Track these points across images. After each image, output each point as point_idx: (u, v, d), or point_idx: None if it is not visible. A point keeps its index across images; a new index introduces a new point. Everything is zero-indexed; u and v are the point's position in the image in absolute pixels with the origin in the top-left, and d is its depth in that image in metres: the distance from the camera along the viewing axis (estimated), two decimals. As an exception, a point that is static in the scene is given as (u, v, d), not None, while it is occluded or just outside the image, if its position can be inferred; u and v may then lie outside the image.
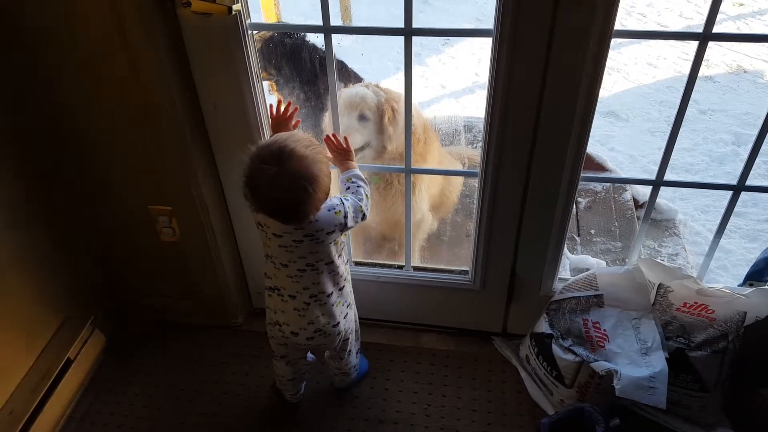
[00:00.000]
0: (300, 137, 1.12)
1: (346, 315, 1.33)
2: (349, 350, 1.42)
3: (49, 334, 1.51)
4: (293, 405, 1.51)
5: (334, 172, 1.28)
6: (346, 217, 1.19)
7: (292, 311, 1.27)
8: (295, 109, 1.29)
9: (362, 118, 1.65)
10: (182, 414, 1.51)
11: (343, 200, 1.21)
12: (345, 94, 1.69)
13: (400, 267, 1.65)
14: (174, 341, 1.71)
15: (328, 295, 1.26)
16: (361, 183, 1.28)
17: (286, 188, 1.07)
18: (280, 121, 1.28)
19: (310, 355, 1.49)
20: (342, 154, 1.32)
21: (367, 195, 1.27)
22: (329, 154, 1.22)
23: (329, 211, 1.17)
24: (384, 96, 1.67)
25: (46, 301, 1.49)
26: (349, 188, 1.27)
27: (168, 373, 1.62)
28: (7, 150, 1.32)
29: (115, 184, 1.48)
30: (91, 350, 1.61)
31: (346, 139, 1.33)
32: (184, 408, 1.53)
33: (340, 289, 1.29)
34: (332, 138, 1.32)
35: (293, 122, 1.29)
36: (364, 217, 1.25)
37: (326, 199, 1.16)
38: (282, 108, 1.28)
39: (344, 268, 1.29)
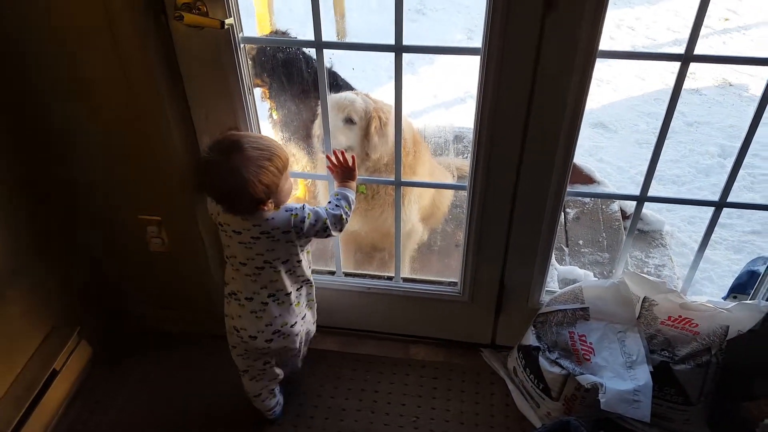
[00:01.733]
0: (256, 138, 1.20)
1: (305, 316, 1.36)
2: (305, 352, 1.47)
3: (35, 344, 1.50)
4: (275, 420, 1.51)
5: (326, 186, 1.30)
6: (302, 221, 1.23)
7: (248, 314, 1.29)
8: (353, 158, 1.37)
9: (348, 121, 1.68)
10: (170, 425, 1.51)
11: (306, 207, 1.25)
12: (335, 97, 1.73)
13: (390, 278, 1.66)
14: (163, 351, 1.70)
15: (287, 294, 1.29)
16: (343, 202, 1.31)
17: (225, 178, 1.14)
18: (345, 170, 1.36)
19: (278, 369, 1.47)
20: (344, 171, 1.36)
21: (344, 215, 1.29)
22: (282, 158, 1.20)
23: (286, 212, 1.23)
24: (373, 105, 1.69)
25: (32, 311, 1.48)
26: (330, 202, 1.31)
27: (156, 384, 1.61)
28: (-5, 160, 1.32)
29: (104, 193, 1.47)
30: (78, 361, 1.59)
31: (353, 158, 1.37)
32: (173, 419, 1.52)
33: (298, 289, 1.32)
34: (338, 155, 1.36)
35: (356, 172, 1.38)
36: (326, 230, 1.26)
37: (273, 194, 1.19)
38: (349, 159, 1.36)
39: (305, 270, 1.32)
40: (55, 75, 1.28)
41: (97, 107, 1.31)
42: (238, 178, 1.13)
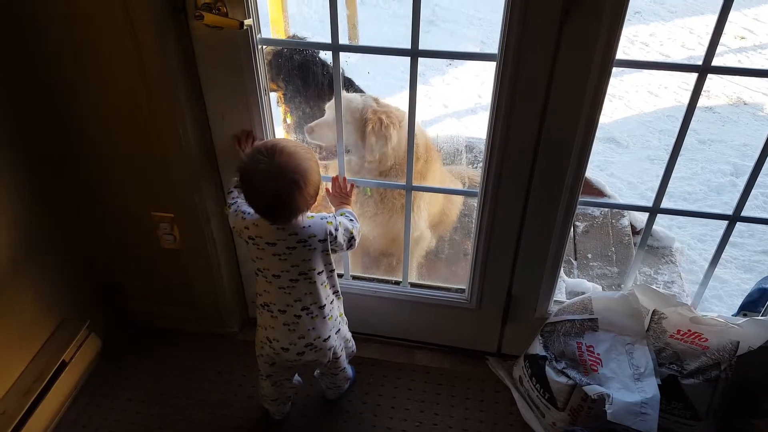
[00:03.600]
0: (292, 141, 1.21)
1: (339, 330, 1.34)
2: (343, 368, 1.43)
3: (44, 336, 1.51)
4: (279, 421, 1.51)
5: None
6: (336, 229, 1.23)
7: (281, 326, 1.27)
8: (352, 186, 1.41)
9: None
10: (175, 421, 1.51)
11: (335, 215, 1.27)
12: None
13: (397, 283, 1.66)
14: (169, 348, 1.71)
15: (321, 307, 1.27)
16: (353, 216, 1.33)
17: (277, 179, 1.11)
18: (343, 195, 1.39)
19: (297, 378, 1.48)
20: (341, 196, 1.39)
21: (358, 229, 1.31)
22: (317, 161, 1.21)
23: (321, 219, 1.22)
24: (374, 106, 1.67)
25: (43, 303, 1.49)
26: (343, 214, 1.32)
27: (162, 380, 1.62)
28: (9, 152, 1.34)
29: (118, 189, 1.49)
30: (87, 353, 1.61)
31: (352, 186, 1.40)
32: (177, 415, 1.53)
33: (332, 302, 1.30)
34: (339, 181, 1.39)
35: (352, 198, 1.40)
36: (352, 240, 1.28)
37: (316, 197, 1.18)
38: (348, 186, 1.39)
39: (337, 281, 1.31)
40: (72, 72, 1.30)
41: (114, 104, 1.33)
42: (285, 179, 1.11)
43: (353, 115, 1.68)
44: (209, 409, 1.54)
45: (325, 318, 1.28)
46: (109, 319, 1.72)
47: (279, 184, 1.11)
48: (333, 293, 1.31)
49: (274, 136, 1.45)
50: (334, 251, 1.26)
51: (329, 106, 1.71)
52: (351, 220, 1.31)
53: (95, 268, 1.65)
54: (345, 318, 1.41)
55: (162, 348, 1.71)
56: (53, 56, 1.28)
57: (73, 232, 1.56)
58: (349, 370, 1.51)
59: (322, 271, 1.25)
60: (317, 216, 1.22)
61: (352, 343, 1.45)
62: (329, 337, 1.30)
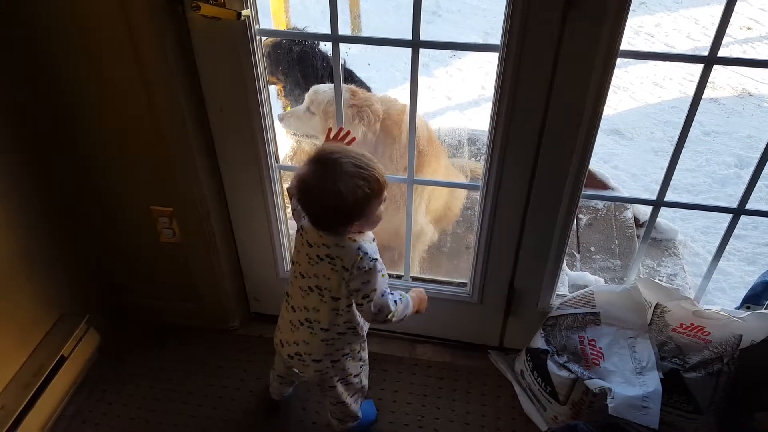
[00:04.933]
0: (357, 154, 1.11)
1: (338, 361, 1.25)
2: (341, 401, 1.33)
3: (43, 331, 1.51)
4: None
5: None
6: (360, 268, 1.11)
7: (287, 322, 1.26)
8: (353, 138, 1.28)
9: (307, 110, 1.72)
10: (176, 416, 1.51)
11: (377, 264, 1.13)
12: (314, 87, 1.76)
13: (399, 277, 1.65)
14: (170, 343, 1.71)
15: (324, 329, 1.20)
16: (401, 306, 1.19)
17: (321, 192, 1.08)
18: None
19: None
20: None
21: (396, 313, 1.17)
22: (380, 181, 1.12)
23: (357, 249, 1.12)
24: (354, 100, 1.65)
25: (42, 298, 1.49)
26: (402, 296, 1.21)
27: (163, 375, 1.62)
28: (7, 147, 1.33)
29: (117, 183, 1.48)
30: (86, 348, 1.60)
31: (353, 140, 1.28)
32: (178, 410, 1.53)
33: (341, 334, 1.22)
34: (339, 132, 1.29)
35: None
36: (380, 314, 1.15)
37: (361, 216, 1.12)
38: (340, 135, 1.28)
39: (356, 318, 1.21)
40: (68, 67, 1.28)
41: (111, 98, 1.32)
42: (330, 189, 1.07)
43: (318, 108, 1.68)
44: (211, 403, 1.54)
45: (324, 341, 1.21)
46: (108, 314, 1.72)
47: (322, 196, 1.09)
48: (347, 328, 1.22)
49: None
50: (351, 295, 1.16)
51: (307, 95, 1.72)
52: (395, 301, 1.17)
53: (94, 263, 1.65)
54: (362, 362, 1.31)
55: (163, 343, 1.71)
56: (49, 51, 1.27)
57: (71, 227, 1.55)
58: (355, 410, 1.38)
59: (340, 299, 1.17)
60: (360, 242, 1.13)
61: (360, 384, 1.34)
62: (320, 360, 1.23)
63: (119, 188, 1.49)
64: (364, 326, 1.26)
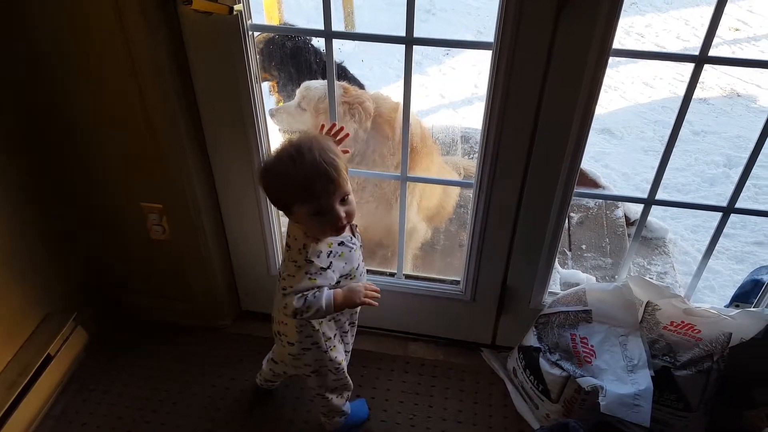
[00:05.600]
0: (304, 150, 1.05)
1: (311, 350, 1.22)
2: (319, 393, 1.32)
3: (29, 329, 1.49)
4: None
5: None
6: (298, 266, 1.09)
7: (276, 294, 1.23)
8: (346, 135, 1.24)
9: (298, 106, 1.72)
10: (164, 415, 1.49)
11: (311, 253, 1.09)
12: (306, 83, 1.75)
13: (392, 274, 1.65)
14: (160, 341, 1.69)
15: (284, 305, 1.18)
16: (312, 301, 1.09)
17: (315, 160, 1.02)
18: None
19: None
20: None
21: (301, 309, 1.09)
22: (302, 186, 1.05)
23: (303, 245, 1.10)
24: (346, 97, 1.64)
25: (28, 295, 1.47)
26: (312, 279, 1.12)
27: (153, 373, 1.60)
28: (-1, 141, 1.31)
29: (106, 179, 1.46)
30: (73, 347, 1.58)
31: (346, 136, 1.24)
32: (168, 409, 1.51)
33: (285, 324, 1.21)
34: (333, 127, 1.25)
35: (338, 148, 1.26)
36: (284, 290, 1.10)
37: (281, 209, 1.10)
38: (333, 131, 1.23)
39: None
40: (59, 63, 1.26)
41: (102, 94, 1.30)
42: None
43: (309, 104, 1.67)
44: (200, 402, 1.53)
45: (295, 327, 1.19)
46: (98, 312, 1.70)
47: (321, 163, 1.04)
48: (290, 319, 1.19)
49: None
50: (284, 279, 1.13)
51: (298, 91, 1.72)
52: (305, 298, 1.08)
53: (83, 260, 1.63)
54: (331, 357, 1.24)
55: (153, 341, 1.69)
56: (39, 48, 1.24)
57: (60, 224, 1.53)
58: (338, 404, 1.35)
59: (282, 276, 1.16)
60: (311, 242, 1.09)
61: (336, 380, 1.30)
62: (293, 344, 1.22)
63: (108, 184, 1.47)
64: (317, 321, 1.19)
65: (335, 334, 1.25)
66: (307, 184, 1.02)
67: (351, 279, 1.18)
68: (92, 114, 1.35)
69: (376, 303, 1.16)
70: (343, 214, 1.06)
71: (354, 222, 1.17)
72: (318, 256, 1.10)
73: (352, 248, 1.17)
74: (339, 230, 1.09)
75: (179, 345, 1.68)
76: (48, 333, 1.51)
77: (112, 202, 1.50)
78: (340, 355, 1.28)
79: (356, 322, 1.31)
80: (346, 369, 1.31)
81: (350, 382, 1.35)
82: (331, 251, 1.12)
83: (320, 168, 1.01)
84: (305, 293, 1.09)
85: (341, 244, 1.15)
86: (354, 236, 1.20)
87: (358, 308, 1.26)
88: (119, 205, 1.50)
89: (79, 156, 1.43)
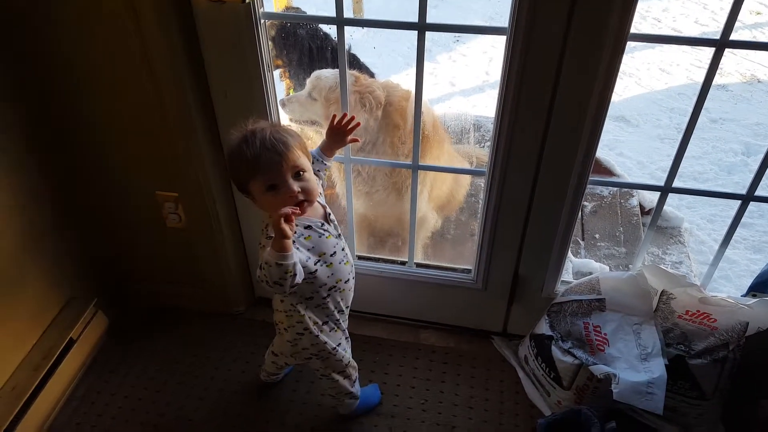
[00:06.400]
0: (259, 135, 1.10)
1: (304, 335, 1.24)
2: (327, 374, 1.33)
3: (52, 314, 1.52)
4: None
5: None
6: (261, 246, 1.13)
7: None
8: (357, 124, 1.25)
9: (309, 96, 1.71)
10: (182, 398, 1.52)
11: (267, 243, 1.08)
12: (317, 72, 1.74)
13: (403, 263, 1.66)
14: (177, 327, 1.72)
15: (281, 300, 1.22)
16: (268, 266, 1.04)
17: (264, 138, 1.08)
18: (338, 132, 1.25)
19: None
20: (336, 136, 1.26)
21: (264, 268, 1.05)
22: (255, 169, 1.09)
23: (266, 224, 1.15)
24: (356, 86, 1.64)
25: (50, 282, 1.50)
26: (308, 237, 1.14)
27: (169, 358, 1.63)
28: (13, 131, 1.33)
29: (123, 168, 1.48)
30: (94, 331, 1.62)
31: (357, 124, 1.25)
32: (185, 392, 1.54)
33: (293, 305, 1.20)
34: (343, 118, 1.25)
35: (349, 138, 1.26)
36: (263, 280, 1.07)
37: (242, 191, 1.14)
38: (344, 121, 1.24)
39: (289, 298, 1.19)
40: (73, 49, 1.27)
41: (117, 83, 1.31)
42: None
43: (320, 93, 1.67)
44: (218, 385, 1.56)
45: (284, 312, 1.22)
46: (116, 298, 1.73)
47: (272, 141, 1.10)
48: (289, 302, 1.20)
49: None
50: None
51: (309, 80, 1.71)
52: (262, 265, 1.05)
53: (102, 247, 1.65)
54: (326, 337, 1.25)
55: (169, 327, 1.72)
56: (54, 35, 1.26)
57: (79, 213, 1.55)
58: (346, 385, 1.36)
59: None
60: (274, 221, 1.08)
61: (341, 359, 1.31)
62: (287, 330, 1.24)
63: (125, 173, 1.49)
64: (303, 302, 1.20)
65: (326, 321, 1.25)
66: (256, 159, 1.07)
67: (327, 266, 1.17)
68: (108, 105, 1.36)
69: (297, 209, 1.07)
70: (296, 188, 1.08)
71: (329, 211, 1.21)
72: (280, 230, 1.05)
73: (323, 234, 1.16)
74: (296, 205, 1.08)
75: (194, 330, 1.71)
76: (70, 318, 1.55)
77: (129, 191, 1.52)
78: (334, 340, 1.28)
79: (346, 310, 1.29)
80: (348, 352, 1.33)
81: (354, 362, 1.36)
82: (295, 232, 1.08)
83: (268, 143, 1.07)
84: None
85: (308, 227, 1.14)
86: (327, 223, 1.19)
87: (345, 294, 1.26)
88: (136, 194, 1.52)
89: (98, 148, 1.45)
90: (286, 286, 1.05)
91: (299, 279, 1.07)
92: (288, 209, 1.03)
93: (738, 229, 1.41)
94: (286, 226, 1.01)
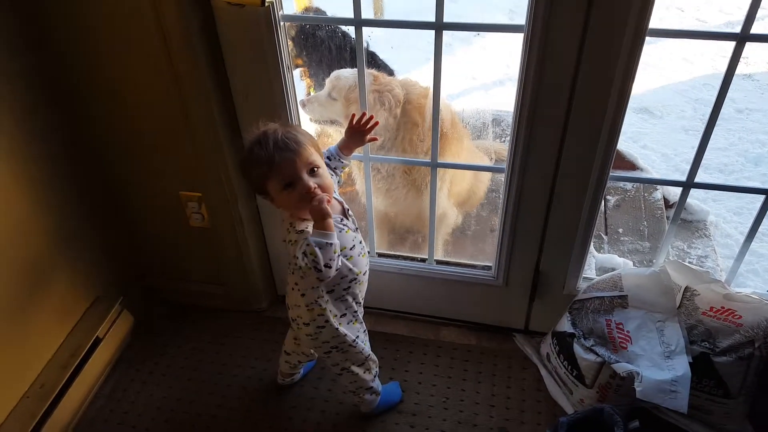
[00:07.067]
0: (269, 137, 1.14)
1: (325, 327, 1.25)
2: (344, 368, 1.34)
3: (79, 313, 1.57)
4: (286, 388, 1.55)
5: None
6: (293, 244, 1.13)
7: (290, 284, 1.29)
8: (376, 123, 1.28)
9: (329, 96, 1.72)
10: (206, 395, 1.56)
11: (299, 239, 1.12)
12: (336, 72, 1.75)
13: (423, 260, 1.66)
14: (199, 324, 1.75)
15: (302, 294, 1.23)
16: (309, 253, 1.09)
17: (277, 138, 1.12)
18: (357, 131, 1.28)
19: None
20: (356, 135, 1.29)
21: (315, 260, 1.08)
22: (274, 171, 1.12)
23: (290, 223, 1.15)
24: (375, 85, 1.64)
25: (77, 281, 1.54)
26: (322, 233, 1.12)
27: (193, 356, 1.66)
28: (42, 134, 1.37)
29: (147, 169, 1.52)
30: (120, 330, 1.66)
31: (375, 124, 1.27)
32: (209, 389, 1.57)
33: (315, 300, 1.22)
34: (362, 118, 1.28)
35: (368, 136, 1.29)
36: (313, 264, 1.09)
37: (259, 194, 1.18)
38: (363, 120, 1.26)
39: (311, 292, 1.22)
40: (97, 54, 1.31)
41: (142, 86, 1.34)
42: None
43: (340, 93, 1.67)
44: (241, 382, 1.58)
45: (306, 306, 1.23)
46: (141, 297, 1.77)
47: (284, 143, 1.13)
48: (300, 294, 1.23)
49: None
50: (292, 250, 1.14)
51: (328, 80, 1.72)
52: (303, 254, 1.09)
53: (127, 247, 1.70)
54: (345, 329, 1.27)
55: (192, 324, 1.76)
56: (78, 38, 1.29)
57: (105, 212, 1.59)
58: (366, 379, 1.38)
59: (290, 263, 1.18)
60: (296, 221, 1.15)
61: (361, 351, 1.32)
62: (308, 324, 1.25)
63: (150, 174, 1.52)
64: (325, 296, 1.22)
65: (344, 313, 1.28)
66: (270, 159, 1.10)
67: (348, 259, 1.21)
68: (132, 109, 1.39)
69: (318, 194, 1.11)
70: (312, 185, 1.11)
71: (347, 206, 1.25)
72: (307, 228, 1.14)
73: (342, 229, 1.20)
74: (315, 201, 1.10)
75: (218, 328, 1.74)
76: (96, 316, 1.59)
77: (154, 191, 1.56)
78: (353, 332, 1.30)
79: (362, 301, 1.32)
80: (367, 345, 1.35)
81: (374, 356, 1.38)
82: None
83: (281, 143, 1.11)
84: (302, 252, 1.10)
85: None
86: (346, 218, 1.23)
87: (363, 285, 1.29)
88: (160, 195, 1.56)
89: (123, 147, 1.48)
90: (333, 267, 1.10)
91: (341, 262, 1.13)
92: (321, 195, 1.10)
93: (765, 221, 1.38)
94: (327, 207, 1.08)
